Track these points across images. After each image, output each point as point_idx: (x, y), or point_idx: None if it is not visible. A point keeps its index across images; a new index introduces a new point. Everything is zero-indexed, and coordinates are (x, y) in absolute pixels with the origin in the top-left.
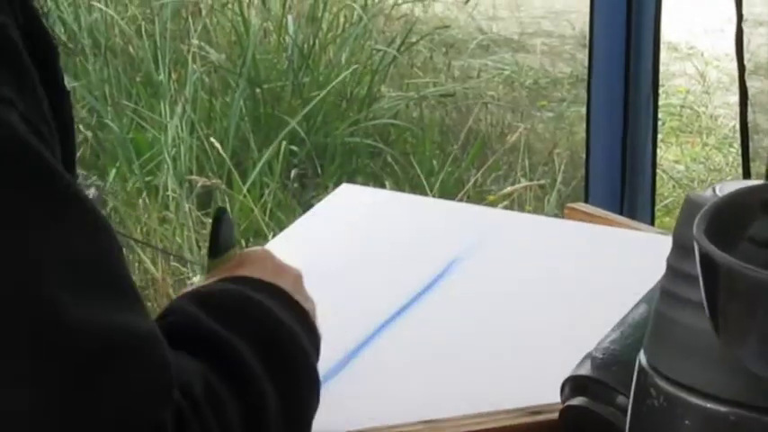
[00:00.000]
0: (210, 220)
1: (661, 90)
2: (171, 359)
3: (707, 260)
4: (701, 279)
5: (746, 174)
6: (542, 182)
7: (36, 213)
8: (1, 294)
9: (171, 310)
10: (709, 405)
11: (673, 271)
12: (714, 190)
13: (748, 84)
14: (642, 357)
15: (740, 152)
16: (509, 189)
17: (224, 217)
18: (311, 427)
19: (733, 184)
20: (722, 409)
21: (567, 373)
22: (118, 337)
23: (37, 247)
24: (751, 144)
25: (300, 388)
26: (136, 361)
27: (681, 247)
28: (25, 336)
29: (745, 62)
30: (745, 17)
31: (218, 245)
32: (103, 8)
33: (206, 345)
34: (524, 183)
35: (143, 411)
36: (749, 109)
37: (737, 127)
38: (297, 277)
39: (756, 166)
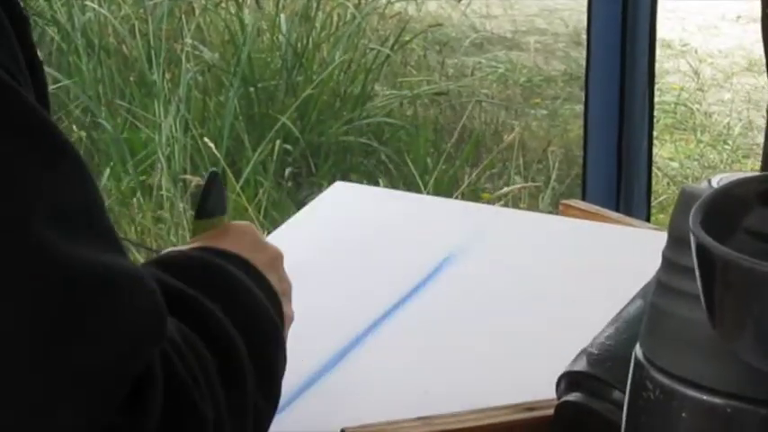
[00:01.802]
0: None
1: (655, 88)
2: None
3: (703, 251)
4: (697, 271)
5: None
6: (538, 184)
7: (31, 159)
8: None
9: None
10: (705, 397)
11: (668, 263)
12: (709, 182)
13: (741, 81)
14: (638, 350)
15: (764, 146)
16: (505, 190)
17: (215, 179)
18: (280, 389)
19: (728, 176)
20: (718, 401)
21: (562, 368)
22: (111, 271)
23: (30, 191)
24: (745, 141)
25: (269, 344)
26: (132, 294)
27: (677, 240)
28: (19, 272)
29: (739, 59)
30: (739, 14)
31: (206, 207)
32: (97, 8)
33: (173, 303)
34: (519, 184)
35: (140, 343)
36: (744, 106)
37: (731, 124)
38: (275, 256)
39: (752, 163)
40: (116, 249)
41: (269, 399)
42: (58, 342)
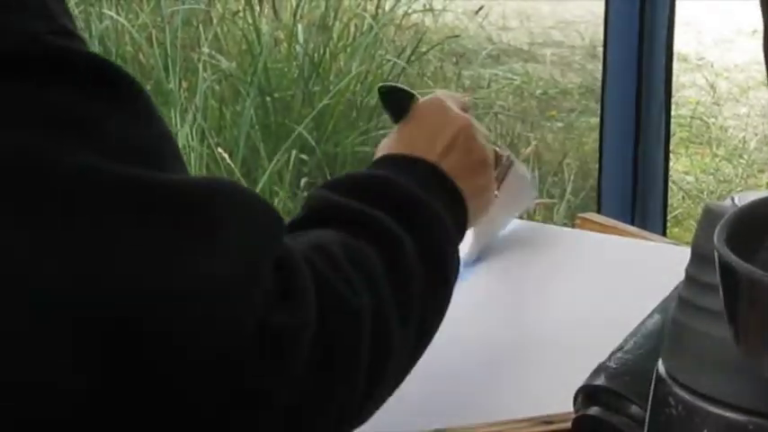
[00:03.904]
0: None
1: (671, 101)
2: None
3: (728, 270)
4: (721, 288)
5: None
6: (554, 201)
7: (111, 107)
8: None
9: (306, 199)
10: (727, 414)
11: (691, 280)
12: (733, 200)
13: (757, 95)
14: (660, 366)
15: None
16: None
17: (384, 89)
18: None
19: (752, 194)
20: (741, 418)
21: (579, 382)
22: (208, 182)
23: (112, 137)
24: (761, 156)
25: (438, 246)
26: (235, 194)
27: (700, 257)
28: (125, 209)
29: (755, 73)
30: (755, 29)
31: (393, 113)
32: (114, 16)
33: (340, 216)
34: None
35: (263, 233)
36: (759, 120)
37: (747, 138)
38: (459, 130)
39: (767, 178)
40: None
41: (438, 301)
42: (183, 256)
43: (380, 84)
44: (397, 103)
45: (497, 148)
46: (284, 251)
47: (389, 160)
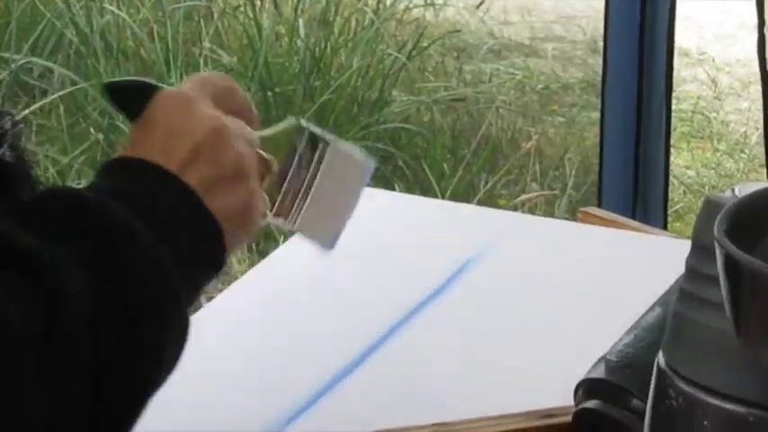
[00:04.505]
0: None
1: (672, 95)
2: None
3: (729, 261)
4: (722, 280)
5: None
6: (555, 191)
7: None
8: None
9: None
10: (728, 406)
11: (692, 272)
12: (733, 191)
13: (758, 90)
14: (661, 358)
15: (765, 157)
16: (523, 197)
17: (114, 86)
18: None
19: (752, 186)
20: (741, 409)
21: (580, 375)
22: None
23: None
24: (762, 150)
25: (137, 300)
26: None
27: (701, 248)
28: None
29: (756, 68)
30: (756, 23)
31: (132, 111)
32: (115, 11)
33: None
34: (536, 192)
35: None
36: (761, 115)
37: (748, 132)
38: (206, 136)
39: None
40: None
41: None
42: None
43: (108, 81)
44: (132, 100)
45: (300, 142)
46: None
47: (111, 168)
